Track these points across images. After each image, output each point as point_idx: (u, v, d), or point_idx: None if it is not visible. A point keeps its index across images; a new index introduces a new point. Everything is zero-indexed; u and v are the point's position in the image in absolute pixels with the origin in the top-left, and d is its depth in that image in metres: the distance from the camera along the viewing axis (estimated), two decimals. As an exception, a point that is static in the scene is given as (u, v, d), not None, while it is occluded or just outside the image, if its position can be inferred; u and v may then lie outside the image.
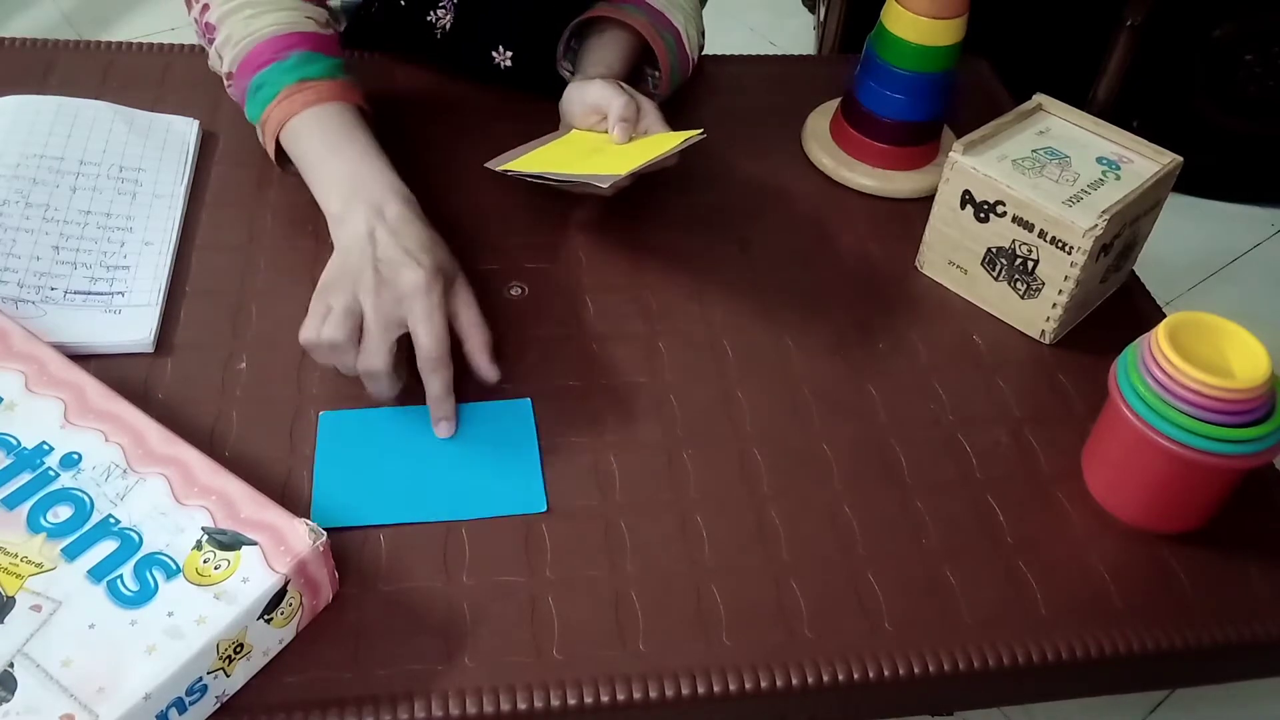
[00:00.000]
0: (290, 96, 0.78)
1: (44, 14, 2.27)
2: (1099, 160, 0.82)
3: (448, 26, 0.94)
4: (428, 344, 0.68)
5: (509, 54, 0.95)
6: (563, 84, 0.91)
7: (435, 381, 0.69)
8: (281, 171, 0.82)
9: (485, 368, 0.71)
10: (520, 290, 0.81)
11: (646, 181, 0.91)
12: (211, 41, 0.83)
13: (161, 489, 0.60)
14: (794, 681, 0.60)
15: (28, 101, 0.87)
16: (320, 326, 0.67)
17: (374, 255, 0.69)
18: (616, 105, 0.81)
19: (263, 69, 0.79)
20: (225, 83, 0.84)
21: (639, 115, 0.83)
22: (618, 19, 0.91)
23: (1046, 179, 0.79)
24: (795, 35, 2.41)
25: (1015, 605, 0.65)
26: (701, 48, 1.01)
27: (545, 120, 0.93)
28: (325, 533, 0.58)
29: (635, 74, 0.94)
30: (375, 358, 0.67)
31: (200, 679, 0.54)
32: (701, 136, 0.78)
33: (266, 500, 0.60)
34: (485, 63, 0.96)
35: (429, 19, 0.94)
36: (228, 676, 0.55)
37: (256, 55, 0.80)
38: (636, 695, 0.59)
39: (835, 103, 0.98)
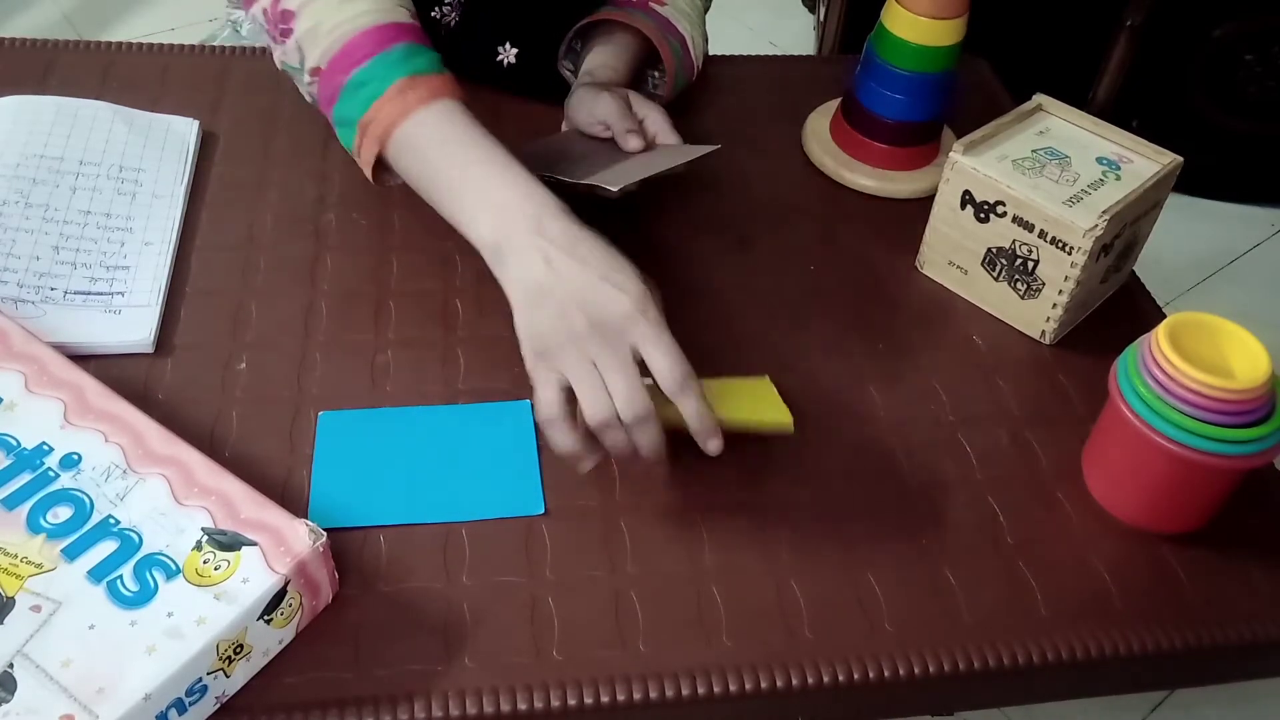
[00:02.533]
0: (404, 93, 0.69)
1: (44, 14, 2.27)
2: (1099, 160, 0.82)
3: (453, 23, 0.94)
4: (667, 367, 0.61)
5: (514, 51, 0.95)
6: (564, 84, 0.91)
7: (689, 402, 0.62)
8: (377, 184, 0.74)
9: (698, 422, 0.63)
10: (520, 290, 0.81)
11: (647, 181, 0.91)
12: (287, 33, 0.73)
13: (161, 489, 0.60)
14: (794, 682, 0.60)
15: (28, 101, 0.87)
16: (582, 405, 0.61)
17: (571, 295, 0.62)
18: (620, 124, 0.80)
19: (365, 62, 0.70)
20: (306, 80, 0.74)
21: (646, 122, 0.82)
22: (624, 23, 0.91)
23: (1046, 179, 0.79)
24: (795, 35, 2.41)
25: (1015, 605, 0.65)
26: (705, 54, 1.01)
27: (546, 121, 0.93)
28: (325, 533, 0.58)
29: (637, 76, 0.94)
30: (637, 402, 0.61)
31: (200, 679, 0.54)
32: (716, 150, 0.78)
33: (266, 501, 0.60)
34: (489, 60, 0.96)
35: (433, 15, 0.94)
36: (228, 677, 0.55)
37: (355, 47, 0.71)
38: (636, 695, 0.59)
39: (835, 103, 0.98)
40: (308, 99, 0.76)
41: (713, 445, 0.64)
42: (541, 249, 0.64)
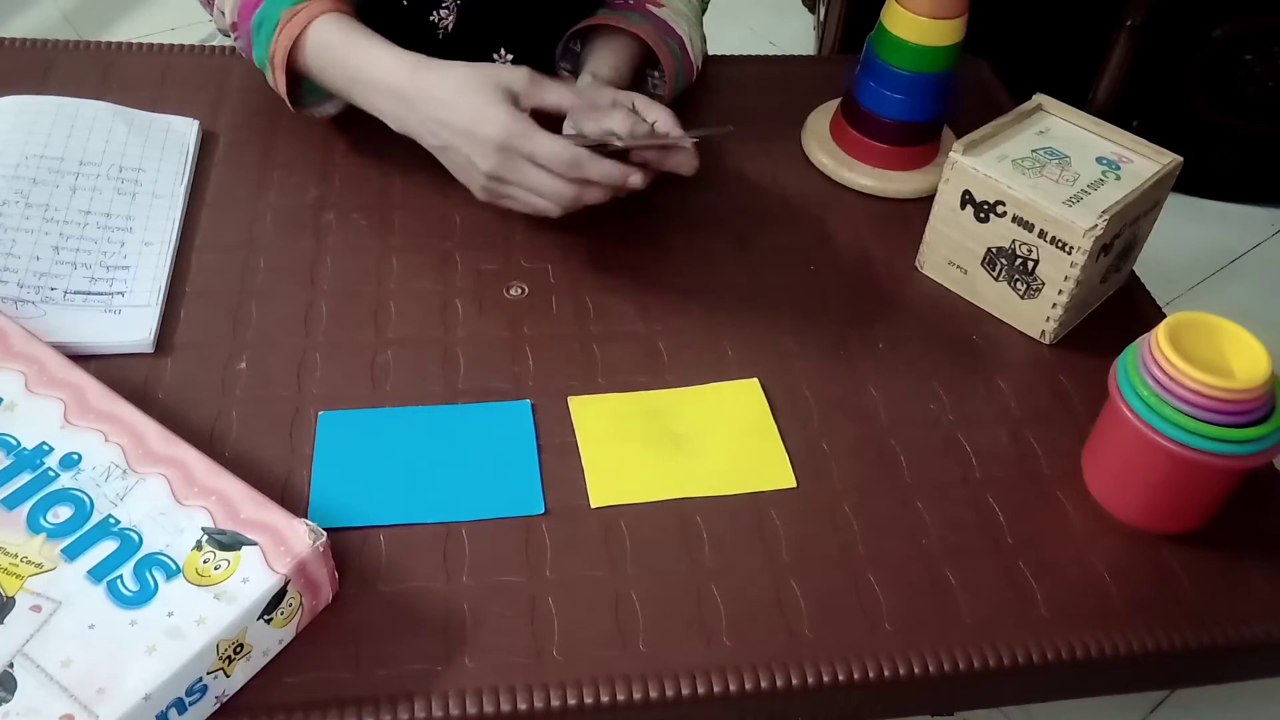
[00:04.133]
0: (289, 21, 0.80)
1: (44, 14, 2.27)
2: (1099, 160, 0.82)
3: (450, 27, 0.94)
4: (558, 167, 0.74)
5: (510, 56, 0.95)
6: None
7: (596, 169, 0.75)
8: (296, 111, 0.85)
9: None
10: (520, 290, 0.81)
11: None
12: (210, 2, 0.86)
13: (161, 489, 0.60)
14: (794, 682, 0.60)
15: (28, 101, 0.87)
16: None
17: (460, 153, 0.76)
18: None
19: (259, 6, 0.81)
20: (234, 38, 0.86)
21: (656, 125, 0.82)
22: (622, 26, 0.91)
23: (1046, 179, 0.79)
24: (795, 35, 2.41)
25: (1015, 605, 0.65)
26: (704, 54, 1.01)
27: (547, 123, 0.94)
28: (325, 533, 0.58)
29: (636, 77, 0.94)
30: (564, 193, 0.76)
31: (200, 679, 0.54)
32: (729, 130, 0.82)
33: (266, 500, 0.60)
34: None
35: (431, 19, 0.94)
36: (228, 677, 0.55)
37: None
38: (636, 695, 0.59)
39: (835, 103, 0.98)
40: (245, 57, 0.86)
41: (635, 180, 0.76)
42: (420, 122, 0.77)
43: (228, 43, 1.05)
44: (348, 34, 0.80)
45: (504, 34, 0.95)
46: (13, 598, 0.55)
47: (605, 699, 0.59)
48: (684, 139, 0.78)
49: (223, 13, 0.84)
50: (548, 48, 0.95)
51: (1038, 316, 0.81)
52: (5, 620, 0.54)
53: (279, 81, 0.82)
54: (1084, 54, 1.82)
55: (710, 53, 1.04)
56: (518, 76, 0.76)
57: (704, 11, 1.02)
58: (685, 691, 0.59)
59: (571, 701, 0.58)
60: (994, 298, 0.83)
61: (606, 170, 0.75)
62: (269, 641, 0.57)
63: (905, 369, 0.79)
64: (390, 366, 0.74)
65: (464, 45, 0.95)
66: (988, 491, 0.71)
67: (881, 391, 0.77)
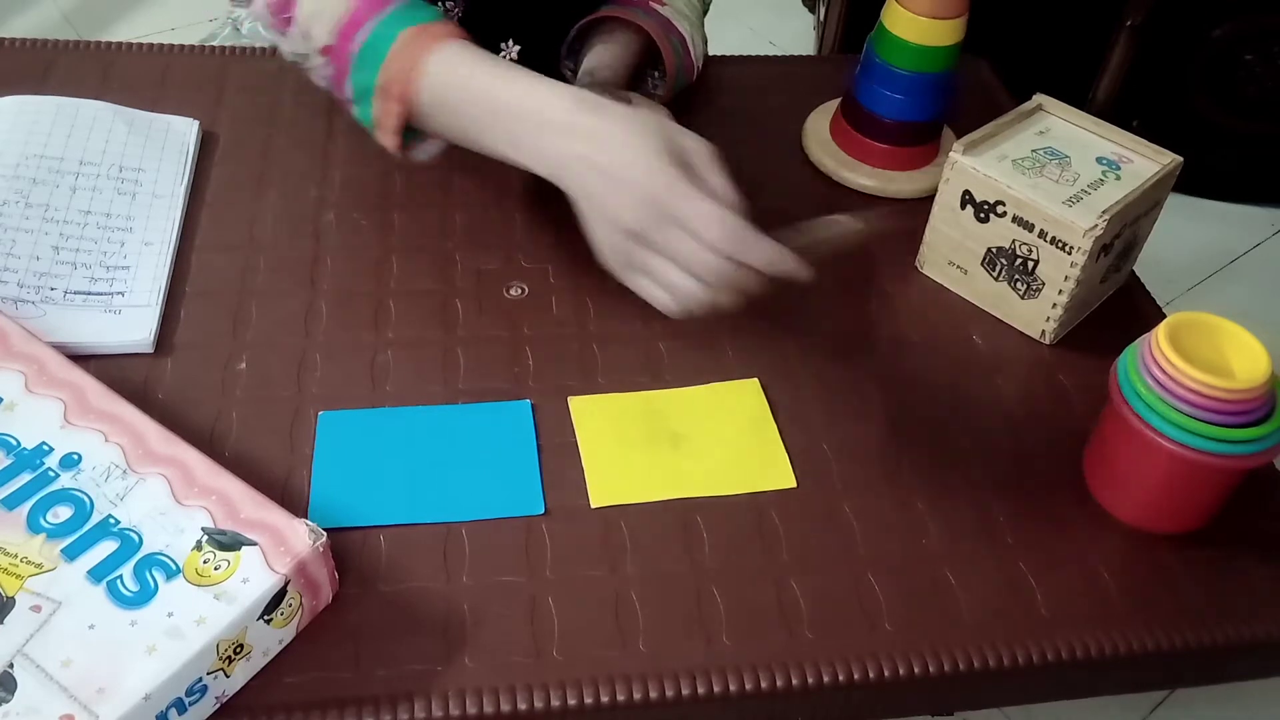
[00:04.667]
0: (410, 44, 0.69)
1: (44, 14, 2.27)
2: (1099, 160, 0.82)
3: (457, 18, 0.94)
4: (716, 234, 0.63)
5: (516, 48, 0.95)
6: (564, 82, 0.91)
7: (757, 253, 0.64)
8: (403, 155, 0.75)
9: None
10: (520, 290, 0.81)
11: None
12: (289, 21, 0.74)
13: (161, 489, 0.60)
14: (794, 682, 0.60)
15: (28, 101, 0.87)
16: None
17: (615, 202, 0.64)
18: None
19: (367, 26, 0.70)
20: (319, 63, 0.74)
21: None
22: (626, 20, 0.91)
23: (1046, 179, 0.79)
24: (795, 35, 2.41)
25: (1015, 605, 0.65)
26: (704, 55, 1.01)
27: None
28: (325, 533, 0.58)
29: (637, 76, 0.94)
30: (715, 270, 0.64)
31: (200, 679, 0.54)
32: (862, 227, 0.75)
33: (266, 500, 0.60)
34: None
35: (438, 8, 0.94)
36: (228, 677, 0.55)
37: (357, 15, 0.71)
38: (636, 695, 0.59)
39: (835, 103, 0.98)
40: (322, 84, 0.76)
41: (803, 274, 0.66)
42: (583, 159, 0.65)
43: (228, 43, 1.05)
44: (490, 59, 0.70)
45: (511, 25, 0.95)
46: (13, 598, 0.55)
47: (605, 699, 0.59)
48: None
49: (307, 35, 0.73)
50: (552, 43, 0.95)
51: (1038, 316, 0.81)
52: (5, 620, 0.54)
53: (391, 113, 0.71)
54: (1084, 54, 1.82)
55: (710, 53, 1.04)
56: (698, 145, 0.67)
57: (705, 13, 1.02)
58: (685, 691, 0.59)
59: (571, 701, 0.58)
60: (994, 298, 0.83)
61: (769, 253, 0.64)
62: (269, 641, 0.57)
63: (905, 369, 0.79)
64: (390, 366, 0.74)
65: (471, 38, 0.95)
66: (988, 491, 0.71)
67: (881, 391, 0.77)
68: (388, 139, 0.73)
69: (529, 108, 0.68)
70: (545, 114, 0.67)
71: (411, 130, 0.74)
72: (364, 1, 0.71)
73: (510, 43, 0.95)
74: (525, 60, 0.95)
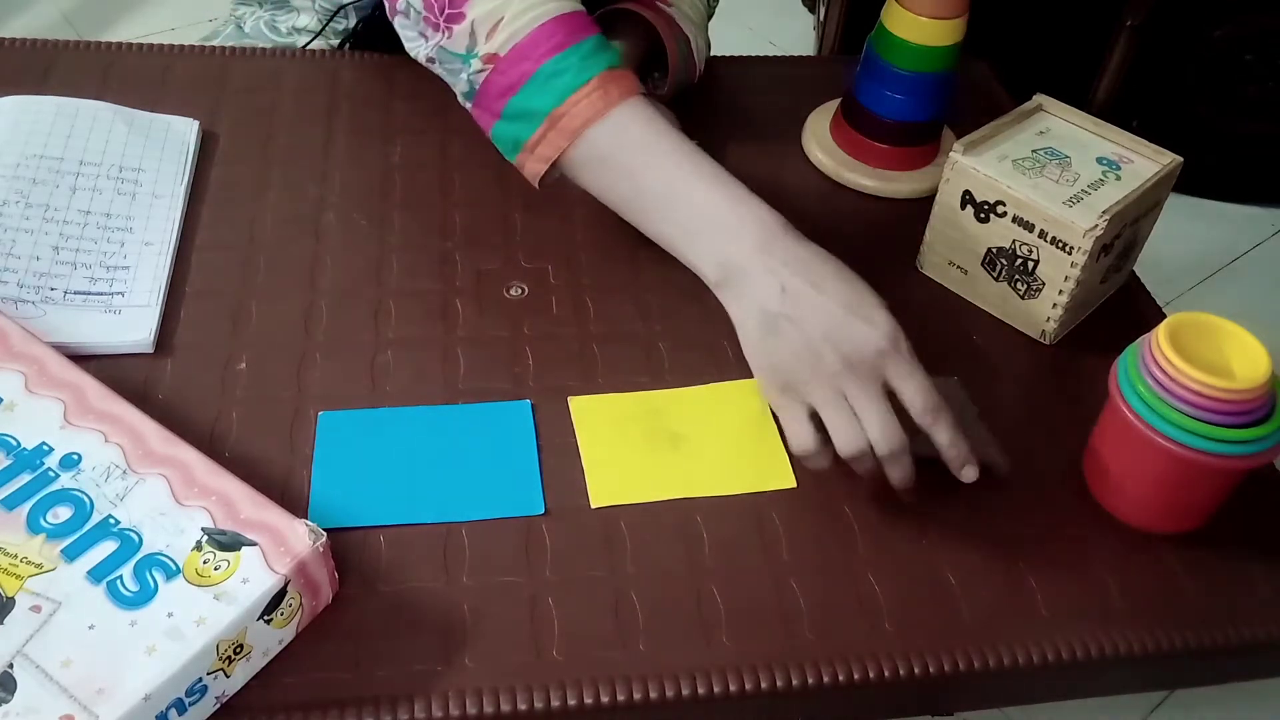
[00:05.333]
0: (605, 87, 0.65)
1: (44, 14, 2.27)
2: (1099, 160, 0.82)
3: None
4: (921, 401, 0.61)
5: None
6: None
7: (943, 433, 0.62)
8: (538, 184, 0.72)
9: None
10: (520, 290, 0.81)
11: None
12: (455, 18, 0.69)
13: (161, 489, 0.60)
14: (794, 682, 0.60)
15: (28, 101, 0.87)
16: (828, 435, 0.61)
17: (817, 328, 0.61)
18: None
19: (559, 51, 0.66)
20: (475, 68, 0.70)
21: None
22: (630, 18, 0.91)
23: (1046, 179, 0.79)
24: (795, 35, 2.41)
25: (1015, 605, 0.65)
26: (706, 59, 1.01)
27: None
28: (325, 533, 0.58)
29: (639, 75, 0.94)
30: (894, 438, 0.61)
31: (200, 680, 0.54)
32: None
33: (266, 501, 0.60)
34: None
35: None
36: (227, 677, 0.55)
37: (547, 35, 0.67)
38: (636, 695, 0.59)
39: (835, 103, 0.98)
40: (463, 88, 0.72)
41: (969, 473, 0.64)
42: (775, 273, 0.62)
43: (228, 43, 1.05)
44: (677, 139, 0.66)
45: None
46: (12, 598, 0.55)
47: (605, 699, 0.59)
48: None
49: (474, 36, 0.69)
50: None
51: (1038, 316, 0.81)
52: (5, 620, 0.54)
53: (557, 145, 0.68)
54: (1084, 54, 1.82)
55: (710, 52, 1.04)
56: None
57: (710, 17, 1.02)
58: (685, 691, 0.59)
59: (571, 701, 0.58)
60: (994, 298, 0.83)
61: (954, 439, 0.63)
62: (269, 642, 0.57)
63: (905, 369, 0.79)
64: (390, 366, 0.74)
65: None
66: (988, 491, 0.71)
67: (881, 391, 0.77)
68: (535, 165, 0.70)
69: (729, 213, 0.65)
70: (752, 226, 0.64)
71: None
72: (558, 22, 0.67)
73: None
74: None
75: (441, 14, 0.70)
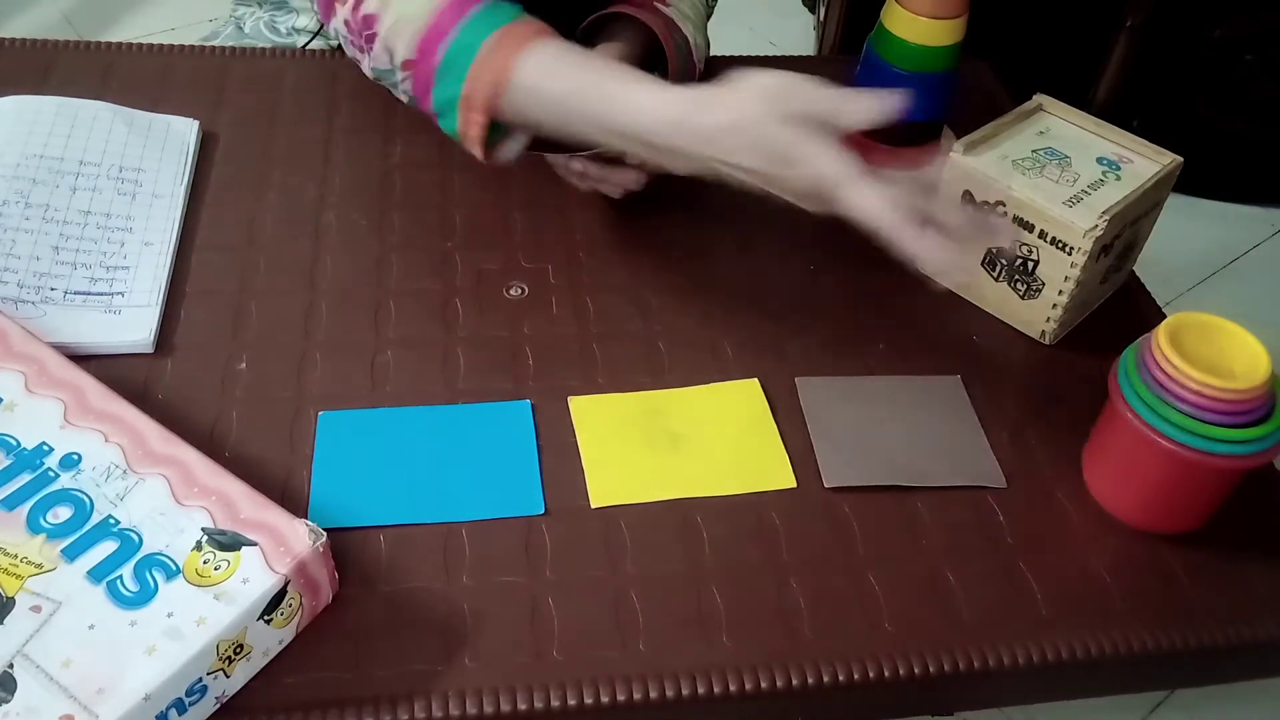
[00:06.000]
0: (494, 51, 0.67)
1: (44, 14, 2.27)
2: (1099, 160, 0.82)
3: None
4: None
5: None
6: None
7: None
8: (490, 164, 0.74)
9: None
10: (520, 290, 0.81)
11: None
12: (372, 38, 0.73)
13: (161, 489, 0.60)
14: (794, 682, 0.60)
15: (28, 102, 0.87)
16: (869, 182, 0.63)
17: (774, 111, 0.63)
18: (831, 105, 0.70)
19: (449, 36, 0.69)
20: (400, 79, 0.73)
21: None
22: (629, 19, 0.91)
23: (1046, 179, 0.79)
24: (795, 35, 2.41)
25: (1015, 605, 0.65)
26: (706, 59, 1.01)
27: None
28: (325, 533, 0.58)
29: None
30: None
31: (200, 679, 0.54)
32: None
33: (266, 501, 0.60)
34: None
35: None
36: (227, 677, 0.55)
37: (438, 26, 0.69)
38: (636, 695, 0.59)
39: (835, 103, 0.97)
40: (406, 100, 0.75)
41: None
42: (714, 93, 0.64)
43: (228, 43, 1.05)
44: (576, 62, 0.69)
45: None
46: (13, 598, 0.55)
47: (605, 699, 0.59)
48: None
49: (390, 51, 0.72)
50: (563, 37, 0.95)
51: (1038, 316, 0.81)
52: (5, 620, 0.54)
53: (476, 124, 0.70)
54: (1084, 54, 1.82)
55: (710, 53, 1.04)
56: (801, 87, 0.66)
57: (709, 17, 1.02)
58: (685, 691, 0.59)
59: (571, 701, 0.58)
60: (994, 298, 0.83)
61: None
62: (269, 642, 0.57)
63: (905, 369, 0.79)
64: (390, 366, 0.74)
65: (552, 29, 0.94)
66: (988, 491, 0.71)
67: (881, 391, 0.77)
68: (475, 149, 0.72)
69: (639, 102, 0.67)
70: (647, 129, 0.66)
71: (496, 128, 0.73)
72: (445, 11, 0.69)
73: None
74: None
75: (362, 36, 0.73)
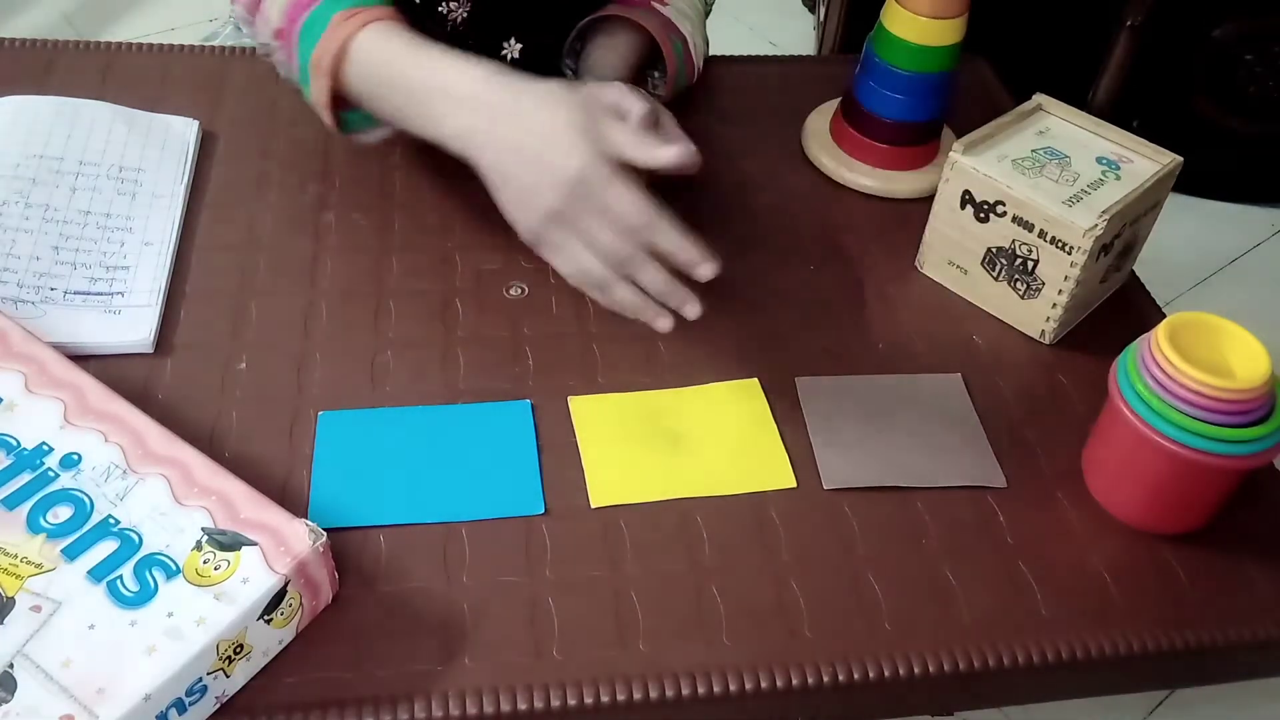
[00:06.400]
0: (341, 24, 0.72)
1: (44, 14, 2.27)
2: (1099, 160, 0.82)
3: (460, 19, 0.94)
4: (632, 216, 0.65)
5: (518, 47, 0.95)
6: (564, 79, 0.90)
7: (664, 237, 0.66)
8: (339, 132, 0.78)
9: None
10: (520, 290, 0.81)
11: (646, 181, 0.91)
12: (255, 9, 0.78)
13: (161, 489, 0.60)
14: (794, 681, 0.60)
15: (27, 101, 0.87)
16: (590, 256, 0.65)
17: (532, 176, 0.65)
18: (637, 110, 0.73)
19: (310, 7, 0.74)
20: (275, 48, 0.78)
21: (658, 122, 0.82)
22: (627, 19, 0.91)
23: (1046, 179, 0.79)
24: (795, 35, 2.41)
25: (1015, 605, 0.65)
26: (705, 56, 1.01)
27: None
28: (325, 533, 0.58)
29: (637, 77, 0.94)
30: (637, 214, 0.65)
31: (200, 679, 0.54)
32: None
33: (266, 501, 0.60)
34: (492, 56, 0.96)
35: (440, 10, 0.93)
36: (228, 677, 0.55)
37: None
38: (636, 695, 0.59)
39: (835, 103, 0.98)
40: (283, 74, 0.79)
41: (705, 271, 0.66)
42: (492, 139, 0.67)
43: (228, 43, 1.05)
44: (411, 40, 0.72)
45: (513, 26, 0.94)
46: (13, 598, 0.55)
47: (605, 699, 0.59)
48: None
49: (268, 19, 0.77)
50: (554, 40, 0.95)
51: (1038, 316, 0.81)
52: (5, 620, 0.54)
53: (322, 89, 0.74)
54: (1084, 54, 1.81)
55: (710, 53, 1.04)
56: (620, 128, 0.67)
57: (708, 15, 1.02)
58: (685, 691, 0.59)
59: (571, 701, 0.58)
60: (994, 298, 0.83)
61: (677, 243, 0.66)
62: (269, 642, 0.57)
63: (905, 369, 0.79)
64: (390, 366, 0.74)
65: (474, 38, 0.94)
66: (988, 491, 0.71)
67: (881, 391, 0.77)
68: (324, 115, 0.76)
69: (437, 84, 0.70)
70: (451, 89, 0.69)
71: (360, 116, 0.77)
72: None
73: (513, 41, 0.95)
74: (528, 59, 0.95)
75: (251, 12, 0.79)
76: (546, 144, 0.65)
